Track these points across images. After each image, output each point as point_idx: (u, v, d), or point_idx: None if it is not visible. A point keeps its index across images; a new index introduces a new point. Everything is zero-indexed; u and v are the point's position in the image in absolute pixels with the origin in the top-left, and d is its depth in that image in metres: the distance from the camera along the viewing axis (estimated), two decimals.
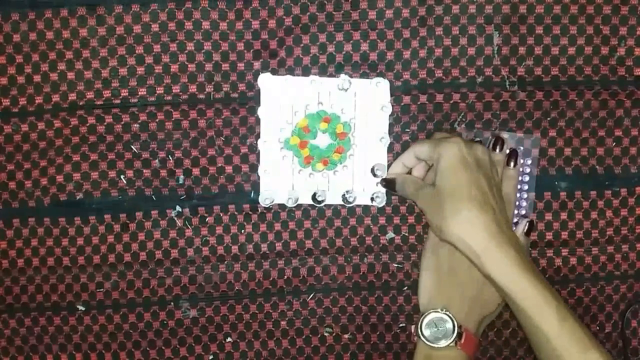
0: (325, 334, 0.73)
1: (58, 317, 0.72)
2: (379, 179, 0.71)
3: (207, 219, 0.71)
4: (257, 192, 0.71)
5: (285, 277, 0.72)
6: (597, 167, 0.71)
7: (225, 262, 0.72)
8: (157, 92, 0.70)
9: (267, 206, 0.71)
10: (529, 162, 0.71)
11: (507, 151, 0.69)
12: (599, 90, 0.70)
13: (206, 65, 0.70)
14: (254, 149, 0.71)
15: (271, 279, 0.72)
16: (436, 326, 0.65)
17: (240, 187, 0.71)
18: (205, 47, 0.69)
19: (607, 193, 0.72)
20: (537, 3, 0.69)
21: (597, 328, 0.73)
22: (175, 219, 0.71)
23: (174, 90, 0.70)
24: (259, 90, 0.70)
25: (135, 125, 0.70)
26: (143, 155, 0.71)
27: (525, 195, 0.71)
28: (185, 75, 0.70)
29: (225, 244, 0.72)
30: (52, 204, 0.71)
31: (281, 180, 0.71)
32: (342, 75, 0.70)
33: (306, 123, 0.70)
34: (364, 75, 0.70)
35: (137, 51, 0.69)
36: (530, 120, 0.71)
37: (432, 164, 0.66)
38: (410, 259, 0.72)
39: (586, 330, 0.62)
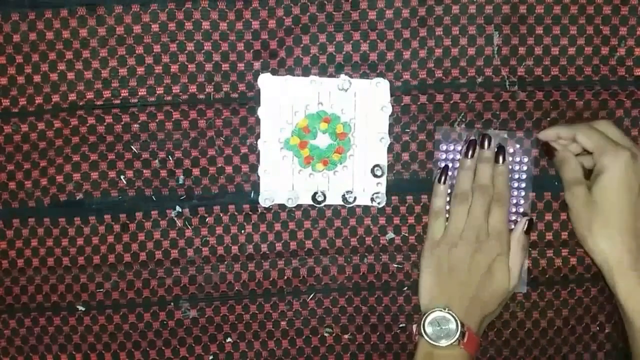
0: (325, 335, 0.73)
1: (58, 318, 0.72)
2: (379, 179, 0.71)
3: (207, 219, 0.71)
4: (257, 192, 0.71)
5: (285, 277, 0.72)
6: None
7: (225, 262, 0.72)
8: (157, 92, 0.70)
9: (267, 206, 0.71)
10: (526, 159, 0.71)
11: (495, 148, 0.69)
12: (599, 91, 0.70)
13: (206, 66, 0.70)
14: (254, 149, 0.71)
15: (271, 279, 0.72)
16: (439, 325, 0.65)
17: (240, 187, 0.71)
18: (205, 47, 0.69)
19: None
20: (537, 3, 0.69)
21: (597, 328, 0.73)
22: (175, 219, 0.71)
23: (174, 91, 0.70)
24: (259, 91, 0.70)
25: (135, 125, 0.70)
26: (143, 156, 0.71)
27: (524, 194, 0.71)
28: (185, 76, 0.70)
29: (225, 244, 0.72)
30: (52, 204, 0.71)
31: (281, 181, 0.71)
32: (342, 76, 0.70)
33: (306, 123, 0.70)
34: (364, 76, 0.70)
35: (137, 51, 0.69)
36: (530, 120, 0.71)
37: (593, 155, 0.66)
38: (410, 260, 0.72)
39: None
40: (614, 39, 0.70)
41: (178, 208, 0.71)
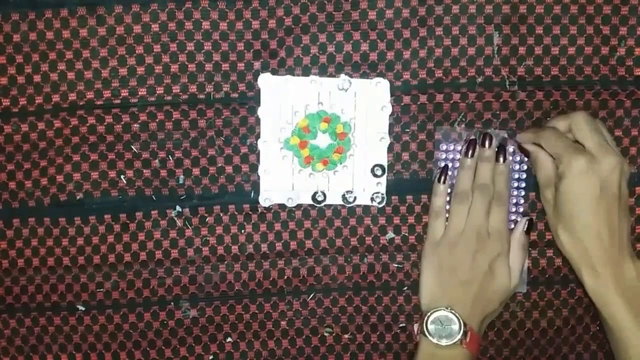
0: (325, 334, 0.73)
1: (58, 317, 0.72)
2: (379, 179, 0.71)
3: (207, 219, 0.71)
4: (257, 192, 0.71)
5: (285, 277, 0.72)
6: None
7: (225, 262, 0.72)
8: (157, 92, 0.70)
9: (267, 206, 0.71)
10: (526, 159, 0.71)
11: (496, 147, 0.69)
12: (599, 90, 0.70)
13: (206, 65, 0.70)
14: (254, 149, 0.71)
15: (271, 279, 0.72)
16: (441, 324, 0.65)
17: (240, 187, 0.71)
18: (205, 47, 0.69)
19: None
20: (537, 3, 0.69)
21: (597, 328, 0.73)
22: (175, 219, 0.71)
23: (174, 90, 0.70)
24: (259, 90, 0.70)
25: (135, 125, 0.70)
26: (143, 155, 0.71)
27: (524, 194, 0.71)
28: (185, 75, 0.70)
29: (225, 244, 0.72)
30: (52, 204, 0.71)
31: (281, 180, 0.71)
32: (342, 75, 0.70)
33: (306, 123, 0.70)
34: (364, 75, 0.70)
35: (137, 51, 0.69)
36: (530, 120, 0.71)
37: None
38: (410, 259, 0.72)
39: None
40: (614, 39, 0.70)
41: (178, 208, 0.71)
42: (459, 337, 0.64)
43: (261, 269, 0.72)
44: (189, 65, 0.70)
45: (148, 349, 0.73)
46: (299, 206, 0.71)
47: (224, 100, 0.70)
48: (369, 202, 0.71)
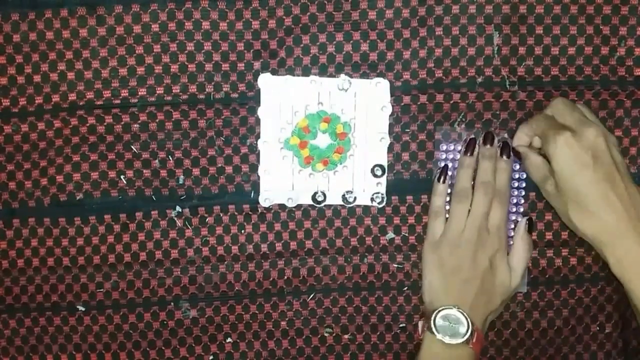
0: (326, 335, 0.73)
1: (58, 317, 0.72)
2: (379, 179, 0.71)
3: (207, 219, 0.71)
4: (257, 192, 0.71)
5: (285, 277, 0.72)
6: None
7: (225, 262, 0.72)
8: (157, 92, 0.70)
9: (267, 206, 0.71)
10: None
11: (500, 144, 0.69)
12: (599, 90, 0.70)
13: (206, 65, 0.70)
14: (254, 149, 0.71)
15: (271, 279, 0.72)
16: (449, 322, 0.65)
17: (240, 187, 0.71)
18: (205, 47, 0.69)
19: None
20: (537, 3, 0.69)
21: (597, 328, 0.73)
22: (175, 219, 0.71)
23: (174, 90, 0.70)
24: (259, 90, 0.70)
25: (135, 125, 0.70)
26: (143, 156, 0.71)
27: (524, 194, 0.71)
28: (185, 75, 0.70)
29: (225, 244, 0.72)
30: (52, 204, 0.71)
31: (281, 181, 0.71)
32: (342, 75, 0.70)
33: (306, 123, 0.70)
34: (364, 75, 0.70)
35: (137, 51, 0.69)
36: None
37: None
38: (410, 260, 0.72)
39: None
40: (614, 39, 0.70)
41: (178, 208, 0.71)
42: (467, 336, 0.64)
43: (261, 269, 0.72)
44: (189, 65, 0.70)
45: (148, 349, 0.73)
46: (299, 206, 0.71)
47: (224, 101, 0.70)
48: (369, 202, 0.71)
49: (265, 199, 0.71)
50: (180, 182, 0.71)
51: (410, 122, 0.71)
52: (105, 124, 0.70)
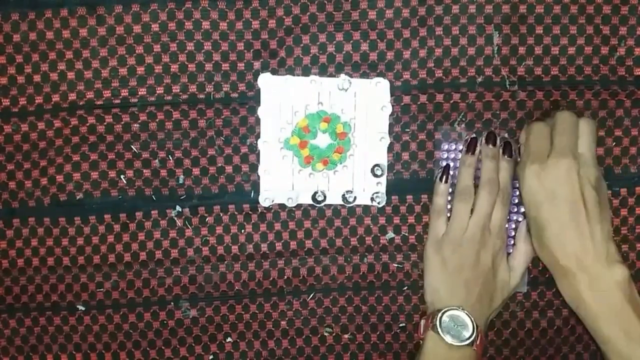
0: (325, 334, 0.73)
1: (58, 317, 0.72)
2: (379, 179, 0.71)
3: (207, 219, 0.71)
4: (257, 192, 0.71)
5: (285, 277, 0.72)
6: None
7: (225, 262, 0.72)
8: (157, 92, 0.70)
9: (267, 206, 0.71)
10: None
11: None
12: (599, 90, 0.70)
13: (206, 65, 0.70)
14: (254, 149, 0.71)
15: (271, 279, 0.72)
16: (454, 323, 0.65)
17: (240, 187, 0.71)
18: (205, 47, 0.69)
19: None
20: (537, 3, 0.69)
21: None
22: (175, 219, 0.71)
23: (174, 90, 0.70)
24: (259, 90, 0.70)
25: (135, 125, 0.70)
26: (143, 155, 0.71)
27: None
28: (185, 75, 0.70)
29: (225, 244, 0.72)
30: (52, 204, 0.71)
31: (281, 180, 0.71)
32: (342, 75, 0.70)
33: (306, 123, 0.70)
34: (364, 75, 0.70)
35: (137, 51, 0.69)
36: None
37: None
38: (410, 259, 0.72)
39: None
40: (614, 38, 0.70)
41: (178, 208, 0.71)
42: (472, 338, 0.64)
43: (261, 268, 0.72)
44: (189, 65, 0.70)
45: (148, 349, 0.73)
46: (299, 206, 0.71)
47: (224, 100, 0.70)
48: (369, 202, 0.71)
49: (265, 198, 0.71)
50: (180, 181, 0.71)
51: (410, 122, 0.71)
52: (105, 123, 0.70)
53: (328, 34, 0.69)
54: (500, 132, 0.70)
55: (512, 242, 0.70)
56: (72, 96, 0.70)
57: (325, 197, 0.71)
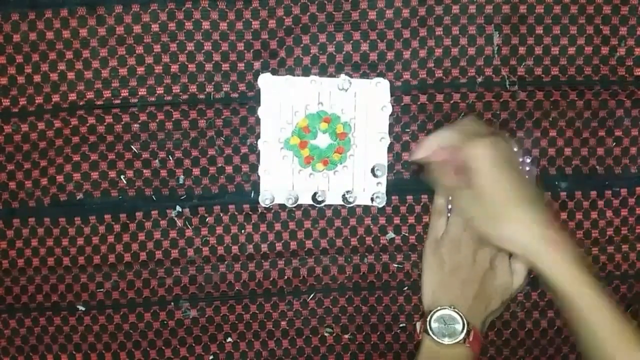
0: (326, 334, 0.73)
1: (58, 317, 0.72)
2: (379, 179, 0.71)
3: (207, 219, 0.71)
4: (257, 192, 0.71)
5: (286, 277, 0.72)
6: (597, 167, 0.71)
7: (226, 262, 0.72)
8: (157, 92, 0.70)
9: (267, 206, 0.71)
10: (528, 160, 0.71)
11: None
12: (599, 90, 0.70)
13: (206, 65, 0.70)
14: (254, 149, 0.71)
15: (271, 279, 0.72)
16: (445, 323, 0.65)
17: (240, 187, 0.71)
18: (205, 47, 0.69)
19: (607, 193, 0.72)
20: (537, 3, 0.69)
21: None
22: (175, 219, 0.71)
23: (174, 90, 0.70)
24: (259, 90, 0.70)
25: (135, 125, 0.70)
26: (143, 155, 0.71)
27: None
28: (185, 75, 0.70)
29: (225, 244, 0.72)
30: (52, 204, 0.71)
31: (281, 180, 0.71)
32: (342, 75, 0.70)
33: (306, 123, 0.70)
34: (364, 75, 0.70)
35: (137, 51, 0.69)
36: (530, 120, 0.71)
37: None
38: (411, 259, 0.72)
39: (634, 329, 0.61)
40: (614, 39, 0.70)
41: (178, 208, 0.71)
42: (462, 336, 0.64)
43: (261, 269, 0.72)
44: (189, 65, 0.70)
45: (148, 349, 0.73)
46: (299, 206, 0.71)
47: (224, 100, 0.70)
48: (369, 202, 0.71)
49: (265, 198, 0.71)
50: (181, 182, 0.71)
51: (410, 122, 0.71)
52: (105, 123, 0.70)
53: (328, 34, 0.69)
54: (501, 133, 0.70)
55: None
56: (72, 96, 0.70)
57: (325, 197, 0.71)
